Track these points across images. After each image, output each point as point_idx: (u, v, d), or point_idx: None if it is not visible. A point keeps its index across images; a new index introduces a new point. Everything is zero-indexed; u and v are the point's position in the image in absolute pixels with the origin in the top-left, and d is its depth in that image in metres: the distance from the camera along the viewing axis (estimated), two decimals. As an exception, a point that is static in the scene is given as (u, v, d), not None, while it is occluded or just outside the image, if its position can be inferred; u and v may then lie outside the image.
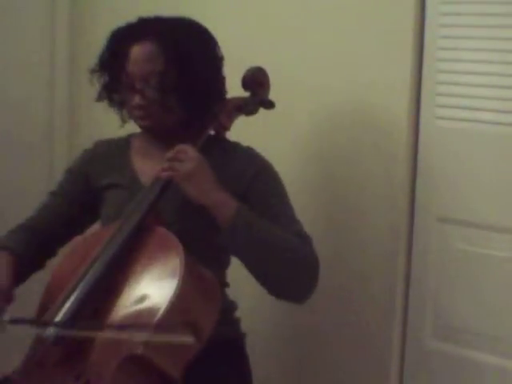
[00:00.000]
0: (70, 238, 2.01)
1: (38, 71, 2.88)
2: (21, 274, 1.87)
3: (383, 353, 2.22)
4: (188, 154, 1.78)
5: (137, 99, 1.86)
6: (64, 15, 2.89)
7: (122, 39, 1.88)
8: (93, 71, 1.93)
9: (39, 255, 1.96)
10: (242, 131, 1.99)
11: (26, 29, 2.83)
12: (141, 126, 1.92)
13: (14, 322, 1.61)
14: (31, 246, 1.93)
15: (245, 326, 2.00)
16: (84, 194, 1.99)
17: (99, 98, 1.95)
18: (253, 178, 1.88)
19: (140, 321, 1.62)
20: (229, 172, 1.88)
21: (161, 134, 1.93)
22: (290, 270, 1.76)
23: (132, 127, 1.98)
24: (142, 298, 1.65)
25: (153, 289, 1.67)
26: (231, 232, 1.74)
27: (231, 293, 1.97)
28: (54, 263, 1.98)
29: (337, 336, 2.31)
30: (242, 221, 1.74)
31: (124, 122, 1.97)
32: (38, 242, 1.95)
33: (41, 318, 1.71)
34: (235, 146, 1.96)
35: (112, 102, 1.95)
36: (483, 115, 2.04)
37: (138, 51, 1.85)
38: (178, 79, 1.84)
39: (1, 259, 1.85)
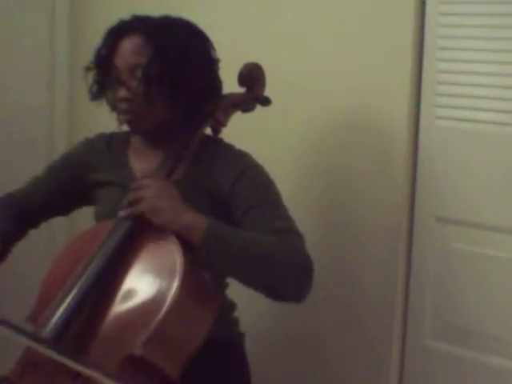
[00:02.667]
0: (52, 217, 2.06)
1: (38, 72, 2.89)
2: (5, 251, 1.90)
3: (383, 353, 2.22)
4: (145, 191, 1.73)
5: (122, 92, 1.85)
6: (64, 15, 2.89)
7: (113, 35, 1.88)
8: (88, 69, 1.93)
9: (20, 229, 1.98)
10: (241, 134, 1.98)
11: (25, 29, 2.83)
12: (126, 123, 1.90)
13: (5, 323, 1.60)
14: (13, 221, 1.96)
15: (244, 325, 2.00)
16: (74, 182, 2.00)
17: (93, 97, 1.94)
18: (235, 179, 1.84)
19: (139, 321, 1.61)
20: (214, 176, 1.86)
21: (147, 135, 1.92)
22: (277, 275, 1.71)
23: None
24: (141, 299, 1.64)
25: (151, 288, 1.66)
26: (205, 252, 1.69)
27: (230, 293, 1.96)
28: (53, 260, 1.98)
29: (336, 336, 2.31)
30: (214, 239, 1.69)
31: (121, 122, 1.95)
32: (20, 216, 1.98)
33: (35, 320, 1.70)
34: (227, 149, 1.94)
35: (107, 100, 1.94)
36: (483, 115, 2.04)
37: (125, 44, 1.85)
38: (162, 74, 1.83)
39: None
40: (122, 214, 1.74)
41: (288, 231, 1.77)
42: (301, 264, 1.74)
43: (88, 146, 2.03)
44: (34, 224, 2.05)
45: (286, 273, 1.72)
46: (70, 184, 2.01)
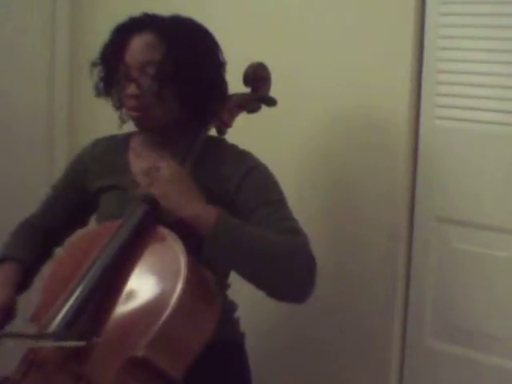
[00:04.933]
0: (73, 231, 2.07)
1: (37, 71, 2.89)
2: (29, 278, 1.93)
3: (383, 353, 2.22)
4: (161, 171, 1.75)
5: (132, 88, 1.83)
6: (64, 15, 2.89)
7: (123, 31, 1.88)
8: (94, 64, 1.92)
9: (45, 251, 2.02)
10: (245, 134, 1.98)
11: (26, 29, 2.83)
12: (134, 119, 1.89)
13: (9, 336, 1.62)
14: (37, 245, 2.00)
15: (244, 325, 2.00)
16: (80, 194, 2.01)
17: (98, 93, 1.94)
18: (241, 180, 1.84)
19: (142, 323, 1.61)
20: (219, 176, 1.86)
21: (154, 133, 1.91)
22: (282, 273, 1.71)
23: (132, 127, 1.98)
24: (145, 300, 1.64)
25: (155, 290, 1.66)
26: (211, 242, 1.69)
27: (231, 293, 1.96)
28: (55, 260, 1.99)
29: (336, 336, 2.31)
30: (223, 229, 1.69)
31: (123, 121, 1.96)
32: (43, 239, 2.02)
33: (38, 319, 1.70)
34: (230, 149, 1.94)
35: (111, 98, 1.94)
36: (483, 115, 2.04)
37: (137, 41, 1.84)
38: (175, 72, 1.82)
39: (7, 272, 1.90)
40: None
41: (293, 232, 1.78)
42: (304, 264, 1.74)
43: (86, 157, 2.03)
44: (60, 243, 2.06)
45: (290, 271, 1.72)
46: (77, 197, 2.02)
